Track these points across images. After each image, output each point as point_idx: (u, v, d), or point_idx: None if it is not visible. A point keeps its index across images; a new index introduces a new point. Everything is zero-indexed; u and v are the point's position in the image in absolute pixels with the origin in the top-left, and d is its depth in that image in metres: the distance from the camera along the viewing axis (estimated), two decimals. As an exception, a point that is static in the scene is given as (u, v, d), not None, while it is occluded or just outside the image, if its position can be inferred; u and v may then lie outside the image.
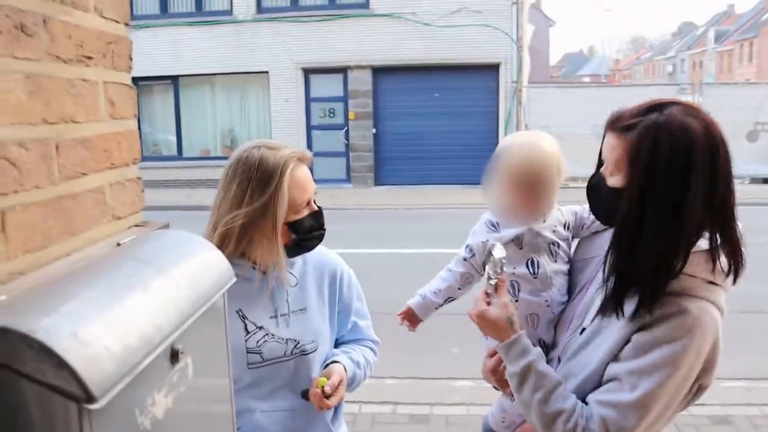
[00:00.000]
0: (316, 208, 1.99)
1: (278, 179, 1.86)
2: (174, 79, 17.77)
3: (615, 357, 1.63)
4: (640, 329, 1.59)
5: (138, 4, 17.61)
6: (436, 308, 2.11)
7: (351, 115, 17.09)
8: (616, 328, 1.63)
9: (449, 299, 2.11)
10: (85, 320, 0.77)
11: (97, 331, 0.77)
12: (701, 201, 1.51)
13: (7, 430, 0.74)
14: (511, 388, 1.74)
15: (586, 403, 1.64)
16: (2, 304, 0.80)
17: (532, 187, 1.86)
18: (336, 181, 16.97)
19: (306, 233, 1.95)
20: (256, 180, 1.86)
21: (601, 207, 1.74)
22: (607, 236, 1.85)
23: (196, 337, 1.04)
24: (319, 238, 2.01)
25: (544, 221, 1.95)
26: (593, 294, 1.79)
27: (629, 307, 1.59)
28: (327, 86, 17.35)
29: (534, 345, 1.78)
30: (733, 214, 1.57)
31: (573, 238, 2.04)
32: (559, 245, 1.96)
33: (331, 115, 17.39)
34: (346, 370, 2.04)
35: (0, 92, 0.91)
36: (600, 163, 1.70)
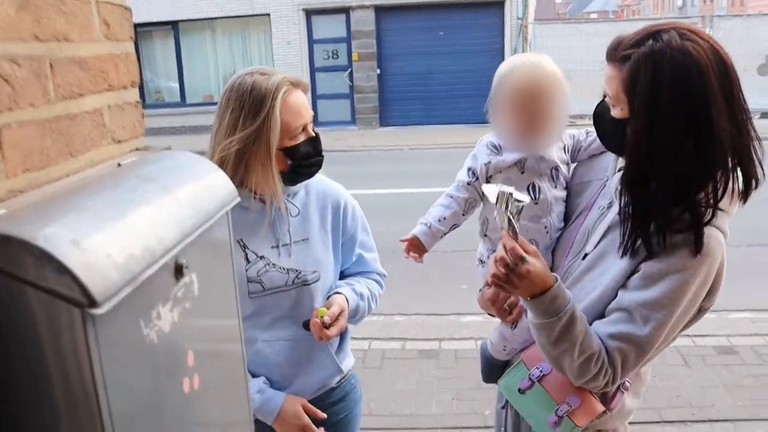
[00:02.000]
0: (313, 134, 1.97)
1: (270, 103, 1.85)
2: (174, 25, 17.54)
3: (622, 285, 1.62)
4: (647, 258, 1.58)
5: (135, -53, 17.25)
6: (442, 236, 2.03)
7: (354, 56, 16.88)
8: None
9: (454, 226, 2.05)
10: (86, 229, 0.77)
11: (99, 240, 0.76)
12: (719, 128, 1.45)
13: (14, 338, 0.74)
14: (543, 338, 1.61)
15: None
16: (2, 216, 0.79)
17: (536, 108, 1.79)
18: (341, 123, 16.88)
19: (302, 159, 1.94)
20: (248, 105, 1.86)
21: (607, 136, 1.70)
22: (605, 159, 1.86)
23: (200, 255, 1.04)
24: (318, 165, 2.00)
25: (548, 147, 1.90)
26: (595, 218, 1.77)
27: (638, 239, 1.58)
28: (329, 27, 17.10)
29: None
30: (752, 135, 1.52)
31: (570, 161, 2.00)
32: (559, 169, 1.92)
33: (335, 56, 17.19)
34: (348, 302, 2.04)
35: (-12, 6, 0.89)
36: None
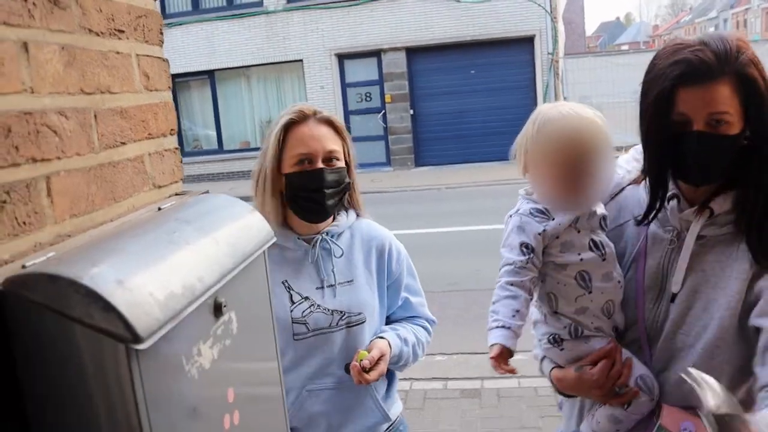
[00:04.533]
0: (315, 168, 1.95)
1: (273, 128, 1.97)
2: (210, 74, 17.99)
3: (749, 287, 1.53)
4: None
5: (170, 1, 17.85)
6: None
7: (387, 98, 17.08)
8: (734, 272, 1.55)
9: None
10: (129, 269, 0.81)
11: (141, 280, 0.80)
12: None
13: (62, 372, 0.78)
14: None
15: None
16: (52, 258, 0.83)
17: (587, 166, 1.63)
18: (376, 165, 17.01)
19: (297, 189, 1.95)
20: (267, 132, 2.02)
21: (716, 161, 1.53)
22: (627, 197, 1.77)
23: (238, 294, 1.07)
24: (316, 202, 1.95)
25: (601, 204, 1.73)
26: (661, 256, 1.66)
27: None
28: (362, 70, 17.37)
29: (610, 335, 1.70)
30: None
31: None
32: (606, 219, 1.76)
33: (368, 99, 17.41)
34: (390, 347, 2.02)
35: (39, 63, 0.95)
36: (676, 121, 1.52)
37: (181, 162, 1.40)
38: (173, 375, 0.85)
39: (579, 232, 1.68)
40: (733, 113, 1.46)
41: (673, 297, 1.62)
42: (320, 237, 2.02)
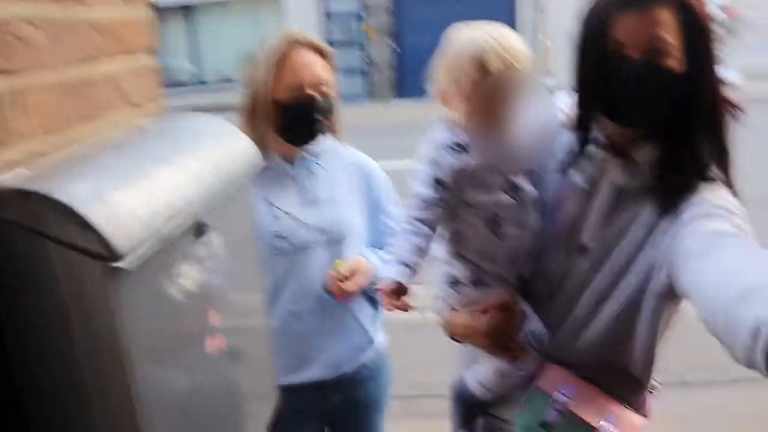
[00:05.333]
0: (307, 95, 1.92)
1: (263, 54, 1.92)
2: (188, 8, 17.51)
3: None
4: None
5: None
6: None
7: (369, 31, 16.76)
8: (641, 225, 1.42)
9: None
10: (108, 185, 0.76)
11: (122, 196, 0.76)
12: None
13: (39, 295, 0.75)
14: None
15: None
16: (25, 175, 0.79)
17: (502, 96, 1.45)
18: (355, 98, 16.81)
19: (291, 118, 1.93)
20: (254, 58, 1.96)
21: (650, 100, 1.36)
22: (558, 141, 1.56)
23: (222, 216, 1.03)
24: (308, 128, 1.95)
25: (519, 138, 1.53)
26: (576, 206, 1.50)
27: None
28: (344, 2, 16.97)
29: (512, 284, 1.56)
30: None
31: None
32: (531, 161, 1.58)
33: (349, 31, 17.09)
34: (370, 263, 2.01)
35: (3, -33, 0.88)
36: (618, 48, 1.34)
37: (162, 82, 1.34)
38: (154, 296, 0.82)
39: (497, 172, 1.51)
40: (675, 45, 1.31)
41: (583, 250, 1.49)
42: (301, 154, 2.01)
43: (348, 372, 2.08)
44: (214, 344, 0.99)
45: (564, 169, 1.52)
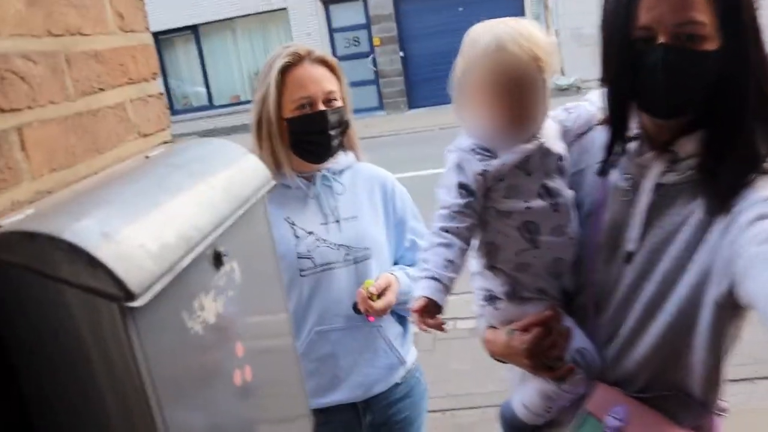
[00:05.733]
0: (317, 111, 1.90)
1: (268, 71, 1.90)
2: (194, 29, 17.63)
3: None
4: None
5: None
6: (454, 284, 1.42)
7: (376, 41, 16.77)
8: (692, 228, 1.28)
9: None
10: (116, 221, 0.73)
11: (131, 231, 0.72)
12: None
13: (54, 339, 0.71)
14: None
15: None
16: (30, 215, 0.76)
17: (513, 91, 1.36)
18: (369, 110, 16.80)
19: (301, 134, 1.91)
20: (260, 77, 1.94)
21: (689, 85, 1.23)
22: (591, 139, 1.48)
23: (239, 242, 1.00)
24: (322, 144, 1.93)
25: (538, 134, 1.43)
26: (618, 209, 1.38)
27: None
28: (348, 15, 17.00)
29: (555, 298, 1.46)
30: None
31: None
32: (564, 161, 1.47)
33: (356, 43, 17.10)
34: (399, 281, 1.98)
35: (-4, 2, 0.86)
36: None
37: (168, 109, 1.31)
38: (175, 332, 0.78)
39: (529, 174, 1.40)
40: (708, 24, 1.18)
41: (629, 257, 1.36)
42: (321, 173, 1.98)
43: (380, 392, 2.04)
44: (241, 376, 0.95)
45: (602, 170, 1.40)
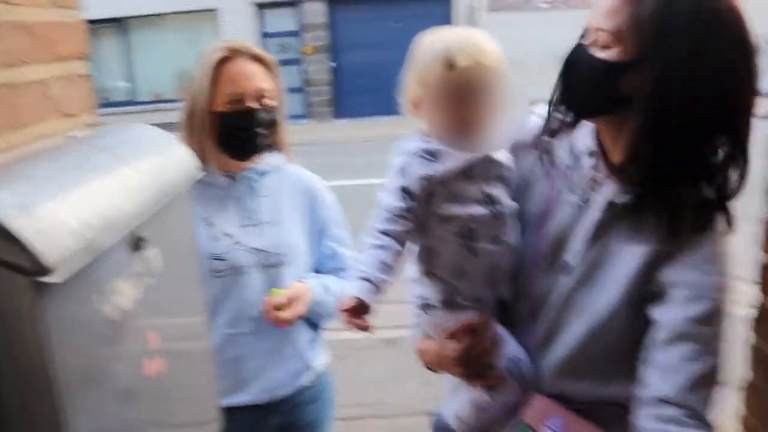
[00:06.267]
0: (247, 108, 1.88)
1: (203, 64, 1.86)
2: (120, 21, 17.16)
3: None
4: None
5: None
6: (386, 287, 1.41)
7: (307, 50, 16.74)
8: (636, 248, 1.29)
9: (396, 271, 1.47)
10: (36, 196, 0.70)
11: (51, 206, 0.70)
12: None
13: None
14: None
15: None
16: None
17: (487, 98, 1.39)
18: (294, 117, 16.72)
19: (229, 128, 1.88)
20: (195, 68, 1.90)
21: (586, 90, 1.26)
22: (537, 154, 1.46)
23: (162, 231, 0.98)
24: (248, 141, 1.90)
25: (486, 142, 1.43)
26: (566, 221, 1.39)
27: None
28: (282, 21, 16.92)
29: (490, 307, 1.46)
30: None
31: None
32: (508, 171, 1.47)
33: (286, 51, 17.03)
34: (312, 292, 1.95)
35: None
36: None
37: (94, 91, 1.27)
38: (87, 314, 0.76)
39: (472, 181, 1.41)
40: (615, 31, 1.19)
41: (568, 269, 1.37)
42: (245, 174, 1.95)
43: (284, 395, 2.02)
44: (152, 367, 0.93)
45: (552, 180, 1.42)
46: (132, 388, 0.89)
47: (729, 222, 1.22)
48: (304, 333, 2.06)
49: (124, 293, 0.84)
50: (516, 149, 1.49)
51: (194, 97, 1.87)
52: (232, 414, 1.95)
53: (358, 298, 1.33)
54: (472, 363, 1.41)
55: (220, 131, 1.88)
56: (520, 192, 1.47)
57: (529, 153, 1.49)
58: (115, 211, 0.79)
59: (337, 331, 5.18)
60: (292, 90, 16.88)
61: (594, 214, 1.32)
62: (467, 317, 1.44)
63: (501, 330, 1.45)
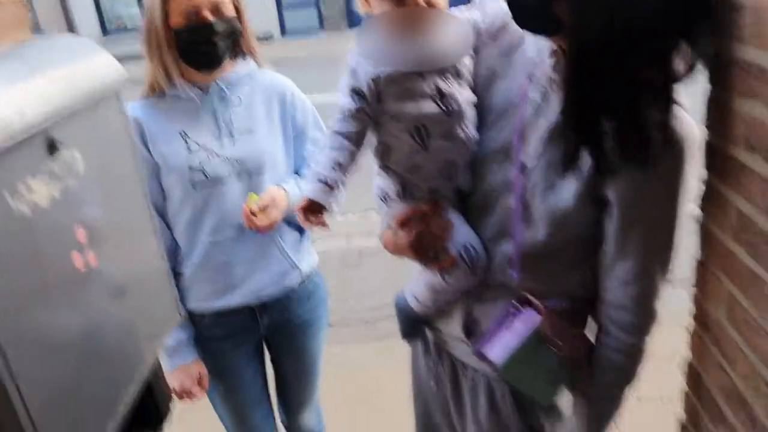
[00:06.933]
0: (202, 20, 1.89)
1: None
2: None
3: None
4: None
5: None
6: (342, 186, 1.45)
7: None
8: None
9: (353, 169, 1.49)
10: None
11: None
12: None
13: None
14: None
15: None
16: None
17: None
18: (307, 32, 16.48)
19: (187, 43, 1.90)
20: None
21: (529, 19, 1.25)
22: (522, 53, 1.43)
23: (85, 135, 1.03)
24: (207, 53, 1.93)
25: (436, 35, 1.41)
26: (527, 119, 1.37)
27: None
28: None
29: (448, 197, 1.50)
30: None
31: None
32: (462, 64, 1.45)
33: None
34: (288, 196, 2.02)
35: None
36: None
37: (29, 11, 1.29)
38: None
39: (423, 77, 1.39)
40: None
41: (523, 167, 1.37)
42: (215, 85, 1.98)
43: (273, 296, 2.11)
44: (83, 260, 0.99)
45: (517, 73, 1.41)
46: (61, 280, 0.96)
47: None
48: (288, 234, 2.12)
49: (40, 192, 0.90)
50: (481, 39, 1.48)
51: (151, 15, 1.88)
52: (225, 316, 2.06)
53: (309, 198, 1.42)
54: (424, 248, 1.48)
55: (179, 46, 1.90)
56: (484, 84, 1.47)
57: (495, 44, 1.47)
58: (16, 115, 0.84)
59: (352, 238, 5.35)
60: (305, 4, 16.58)
61: (551, 115, 1.32)
62: (414, 205, 1.49)
63: (455, 217, 1.49)
